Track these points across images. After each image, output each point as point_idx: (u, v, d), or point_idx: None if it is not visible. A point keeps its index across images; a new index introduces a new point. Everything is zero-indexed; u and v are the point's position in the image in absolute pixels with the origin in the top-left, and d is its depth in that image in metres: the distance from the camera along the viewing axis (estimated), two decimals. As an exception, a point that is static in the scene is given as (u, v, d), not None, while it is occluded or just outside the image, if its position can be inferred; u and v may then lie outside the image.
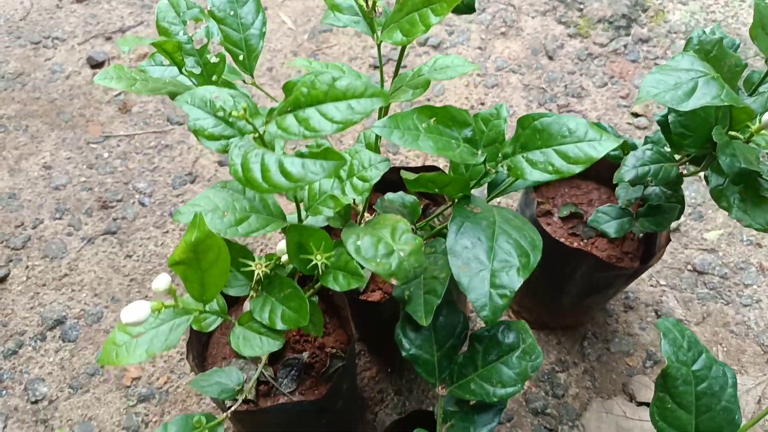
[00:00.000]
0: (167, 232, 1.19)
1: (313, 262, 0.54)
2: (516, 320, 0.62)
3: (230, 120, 0.54)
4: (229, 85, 0.68)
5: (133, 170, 1.26)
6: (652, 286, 1.14)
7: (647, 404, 1.02)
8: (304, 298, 0.56)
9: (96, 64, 1.38)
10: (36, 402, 1.04)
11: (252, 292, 0.59)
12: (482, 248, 0.57)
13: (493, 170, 0.59)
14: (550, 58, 1.35)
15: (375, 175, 0.57)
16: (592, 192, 1.00)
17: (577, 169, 0.55)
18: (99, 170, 1.26)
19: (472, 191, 0.61)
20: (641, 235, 0.97)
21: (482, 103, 1.32)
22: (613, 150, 0.85)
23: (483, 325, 1.05)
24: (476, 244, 0.57)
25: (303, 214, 0.59)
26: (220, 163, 1.26)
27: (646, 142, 0.83)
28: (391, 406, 1.04)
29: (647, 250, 0.96)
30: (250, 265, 0.57)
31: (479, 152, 0.58)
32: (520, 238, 0.58)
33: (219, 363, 0.87)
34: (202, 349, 0.88)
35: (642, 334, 1.09)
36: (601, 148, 0.55)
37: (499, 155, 0.59)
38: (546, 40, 1.40)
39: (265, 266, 0.56)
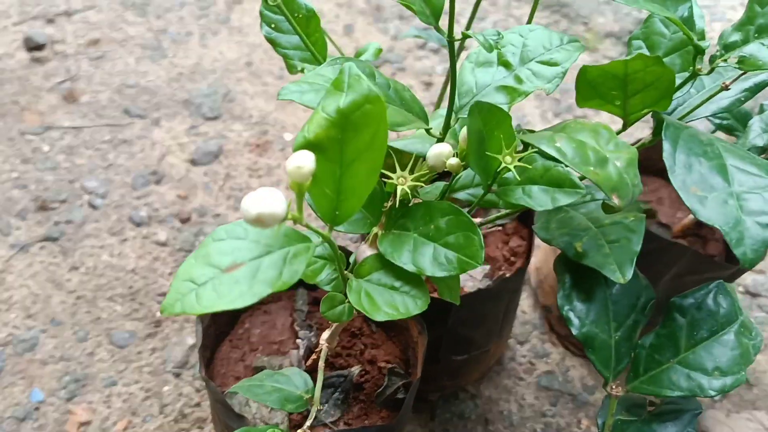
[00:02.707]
0: (126, 240, 0.95)
1: (502, 166, 0.35)
2: (725, 282, 0.45)
3: None
4: None
5: (81, 167, 1.02)
6: (700, 309, 1.00)
7: (726, 443, 0.86)
8: (473, 226, 0.36)
9: (35, 47, 1.14)
10: (-60, 457, 0.75)
11: (375, 229, 0.39)
12: (709, 166, 0.40)
13: (709, 67, 0.43)
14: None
15: (565, 57, 0.40)
16: (660, 190, 0.86)
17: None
18: (37, 165, 1.01)
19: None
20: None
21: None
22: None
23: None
24: (701, 162, 0.40)
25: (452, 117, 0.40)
26: (193, 162, 1.04)
27: (761, 111, 0.71)
28: (422, 452, 0.82)
29: (731, 254, 0.83)
30: (388, 180, 0.37)
31: (694, 37, 0.42)
32: (748, 157, 0.42)
33: (230, 384, 0.64)
34: (205, 366, 0.65)
35: (699, 363, 0.94)
36: None
37: (718, 49, 0.43)
38: (552, 52, 1.30)
39: (412, 179, 0.37)
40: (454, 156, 0.37)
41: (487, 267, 0.71)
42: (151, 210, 0.98)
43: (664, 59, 0.46)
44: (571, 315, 0.44)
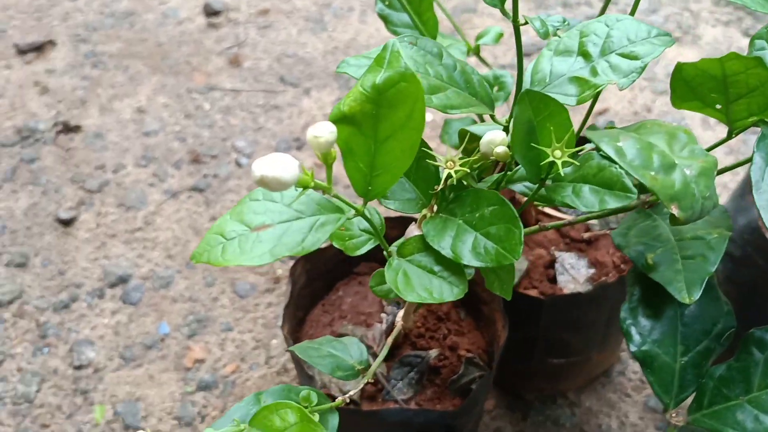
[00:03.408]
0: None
1: (548, 159, 0.34)
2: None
3: None
4: None
5: (234, 127, 1.10)
6: None
7: None
8: (515, 219, 0.35)
9: (212, 13, 1.24)
10: (80, 368, 0.86)
11: (425, 211, 0.39)
12: (808, 189, 0.35)
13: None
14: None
15: (648, 51, 0.37)
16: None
17: None
18: (197, 122, 1.10)
19: None
20: None
21: (648, 110, 1.11)
22: None
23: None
24: (798, 183, 0.35)
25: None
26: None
27: None
28: (509, 450, 0.81)
29: None
30: (435, 163, 0.37)
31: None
32: None
33: (315, 346, 0.66)
34: (296, 325, 0.68)
35: None
36: None
37: None
38: (728, 52, 1.19)
39: (460, 164, 0.36)
40: (507, 145, 0.36)
41: (592, 270, 0.67)
42: (288, 174, 1.04)
43: (788, 63, 0.41)
44: (633, 330, 0.41)
